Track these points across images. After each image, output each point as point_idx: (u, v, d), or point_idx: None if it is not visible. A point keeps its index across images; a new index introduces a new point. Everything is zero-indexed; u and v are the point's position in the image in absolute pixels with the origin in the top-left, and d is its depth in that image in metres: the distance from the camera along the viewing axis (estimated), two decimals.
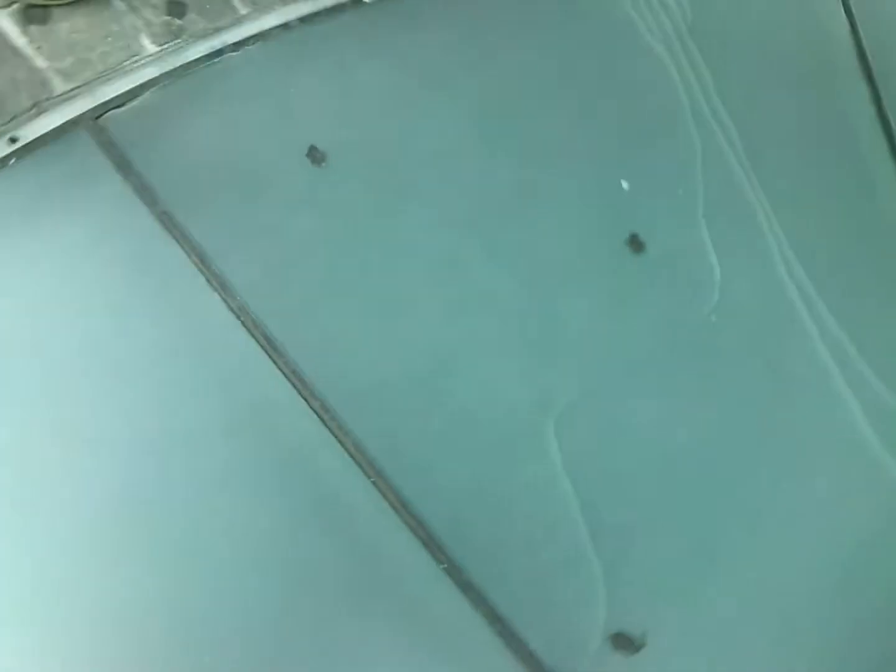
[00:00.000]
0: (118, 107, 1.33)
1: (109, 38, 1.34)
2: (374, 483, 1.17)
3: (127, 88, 1.34)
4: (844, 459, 1.36)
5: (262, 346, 1.24)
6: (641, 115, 1.55)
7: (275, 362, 1.24)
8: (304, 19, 1.40)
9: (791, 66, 1.65)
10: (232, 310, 1.25)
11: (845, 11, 1.66)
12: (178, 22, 1.40)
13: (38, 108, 1.31)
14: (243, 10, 1.40)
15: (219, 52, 1.39)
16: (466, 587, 1.15)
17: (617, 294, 1.37)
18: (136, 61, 1.35)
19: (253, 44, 1.39)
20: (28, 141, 1.27)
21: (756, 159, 1.56)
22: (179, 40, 1.39)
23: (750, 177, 1.55)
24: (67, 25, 1.36)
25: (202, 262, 1.28)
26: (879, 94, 1.62)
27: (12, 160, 1.26)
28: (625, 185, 1.48)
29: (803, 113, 1.64)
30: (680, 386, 1.36)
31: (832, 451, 1.37)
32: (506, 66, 1.49)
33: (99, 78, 1.32)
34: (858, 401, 1.39)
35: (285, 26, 1.42)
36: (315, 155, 1.37)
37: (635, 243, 1.44)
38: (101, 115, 1.32)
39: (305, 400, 1.22)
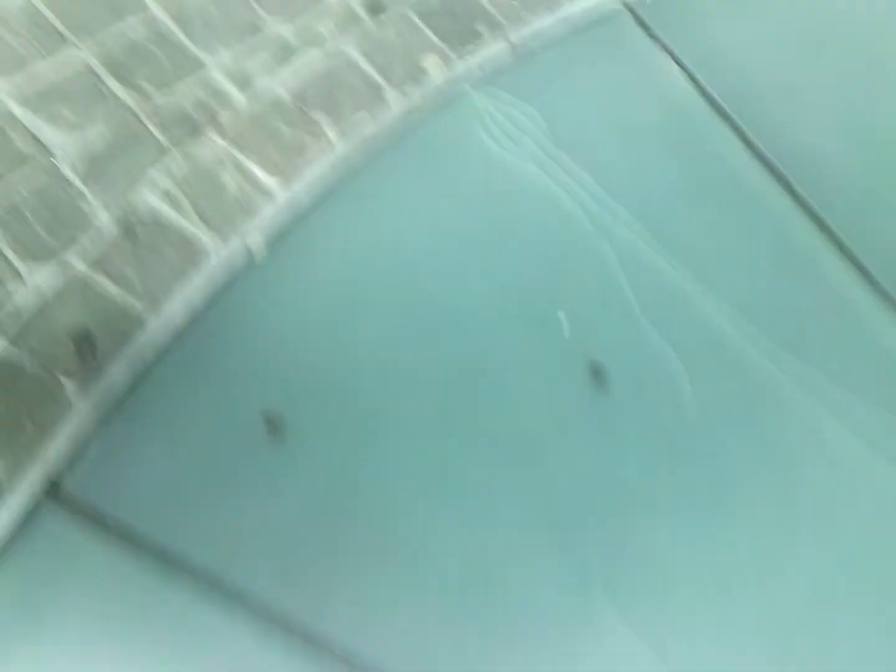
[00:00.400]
0: (69, 470, 1.32)
1: (28, 412, 1.32)
2: None
3: (69, 446, 1.33)
4: (861, 490, 1.39)
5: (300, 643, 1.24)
6: (545, 242, 1.58)
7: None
8: (196, 314, 1.42)
9: (658, 138, 1.70)
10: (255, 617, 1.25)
11: (688, 78, 1.74)
12: (88, 351, 1.39)
13: None
14: (150, 322, 1.40)
15: (142, 375, 1.39)
16: None
17: (602, 438, 1.39)
18: (68, 418, 1.34)
19: (168, 353, 1.40)
20: None
21: (663, 236, 1.60)
22: (101, 381, 1.38)
23: (667, 257, 1.59)
24: None
25: (211, 584, 1.27)
26: (746, 134, 1.69)
27: None
28: (561, 316, 1.50)
29: (686, 175, 1.69)
30: (691, 495, 1.38)
31: (852, 490, 1.40)
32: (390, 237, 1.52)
33: (34, 456, 1.31)
34: (849, 428, 1.43)
35: (194, 319, 1.43)
36: (273, 425, 1.38)
37: (597, 377, 1.45)
38: (56, 486, 1.31)
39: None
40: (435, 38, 1.67)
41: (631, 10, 1.87)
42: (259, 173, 1.49)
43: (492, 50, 1.70)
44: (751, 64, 1.80)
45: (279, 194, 1.49)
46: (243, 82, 1.54)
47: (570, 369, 1.44)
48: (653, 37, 1.83)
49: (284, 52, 1.58)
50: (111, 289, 1.39)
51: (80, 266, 1.38)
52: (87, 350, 1.38)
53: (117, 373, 1.38)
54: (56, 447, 1.33)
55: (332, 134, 1.54)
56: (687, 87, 1.75)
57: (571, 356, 1.45)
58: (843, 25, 1.94)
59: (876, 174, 1.75)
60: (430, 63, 1.65)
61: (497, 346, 1.44)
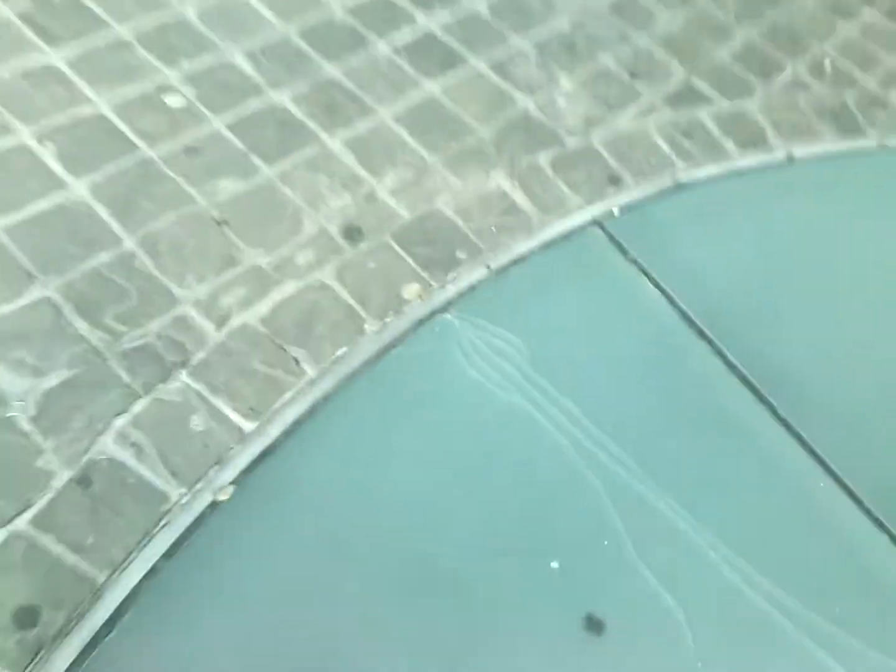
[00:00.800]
0: None
1: None
2: None
3: None
4: None
5: None
6: (532, 477, 1.50)
7: None
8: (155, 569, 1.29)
9: (637, 360, 1.68)
10: None
11: (664, 297, 1.74)
12: (32, 632, 1.23)
13: None
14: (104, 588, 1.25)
15: (91, 647, 1.24)
16: None
17: None
18: None
19: (121, 618, 1.25)
20: None
21: (649, 466, 1.54)
22: (42, 652, 1.22)
23: (655, 489, 1.52)
24: None
25: None
26: (725, 355, 1.68)
27: None
28: (554, 565, 1.41)
29: (667, 398, 1.66)
30: None
31: None
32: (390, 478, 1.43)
33: None
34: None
35: (153, 575, 1.29)
36: None
37: (593, 624, 1.36)
38: None
39: None
40: (415, 266, 1.65)
41: (602, 228, 1.90)
42: (233, 416, 1.40)
43: (472, 276, 1.68)
44: (725, 284, 1.82)
45: (253, 437, 1.40)
46: (218, 319, 1.48)
47: (566, 620, 1.35)
48: (626, 254, 1.84)
49: (262, 285, 1.54)
50: (63, 554, 1.26)
51: (29, 530, 1.25)
52: (28, 627, 1.23)
53: (62, 650, 1.22)
54: None
55: (311, 371, 1.47)
56: (663, 307, 1.75)
57: (566, 607, 1.36)
58: (816, 247, 2.00)
59: (856, 394, 1.74)
60: (411, 292, 1.62)
61: (483, 596, 1.34)
